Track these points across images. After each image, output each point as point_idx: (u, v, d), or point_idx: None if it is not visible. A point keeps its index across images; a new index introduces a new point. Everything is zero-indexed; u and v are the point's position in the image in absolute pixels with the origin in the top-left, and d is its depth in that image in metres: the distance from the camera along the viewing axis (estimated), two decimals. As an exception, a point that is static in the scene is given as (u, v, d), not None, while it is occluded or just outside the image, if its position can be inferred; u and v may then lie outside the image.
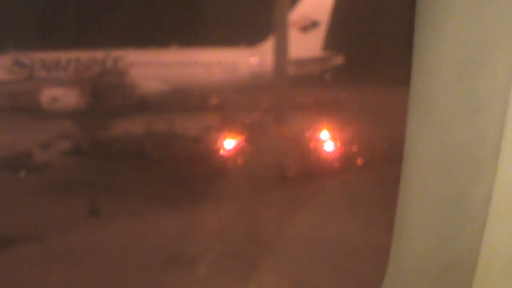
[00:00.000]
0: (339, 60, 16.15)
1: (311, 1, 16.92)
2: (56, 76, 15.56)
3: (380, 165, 9.43)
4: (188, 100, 15.24)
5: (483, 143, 1.55)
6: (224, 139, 10.78)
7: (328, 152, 10.58)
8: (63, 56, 15.78)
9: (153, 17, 13.69)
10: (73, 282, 6.35)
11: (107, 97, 14.50)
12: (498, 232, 1.67)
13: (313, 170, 9.66)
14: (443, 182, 1.63)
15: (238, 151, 10.53)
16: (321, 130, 11.04)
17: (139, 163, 10.85)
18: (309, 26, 16.78)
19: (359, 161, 10.08)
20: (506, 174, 1.57)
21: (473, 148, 1.57)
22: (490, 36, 1.48)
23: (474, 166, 1.59)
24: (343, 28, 15.82)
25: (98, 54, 15.59)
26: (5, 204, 8.71)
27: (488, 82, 1.51)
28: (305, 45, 16.09)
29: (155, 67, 15.82)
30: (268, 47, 15.47)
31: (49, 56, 15.80)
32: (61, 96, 14.76)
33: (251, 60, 16.20)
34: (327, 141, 10.83)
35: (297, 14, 16.53)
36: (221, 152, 10.63)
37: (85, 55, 15.71)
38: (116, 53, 15.55)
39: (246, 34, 15.05)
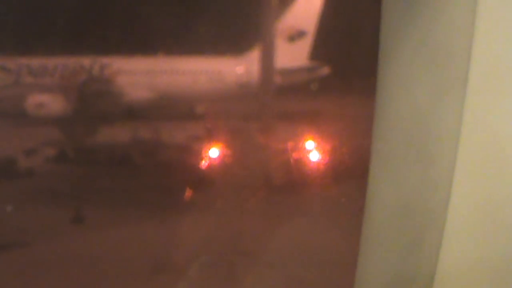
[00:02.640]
0: (325, 70, 16.23)
1: (298, 11, 17.02)
2: (43, 82, 15.46)
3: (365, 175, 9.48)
4: (174, 108, 15.24)
5: (434, 195, 1.68)
6: (210, 148, 10.81)
7: (313, 162, 10.65)
8: (50, 62, 15.68)
9: (140, 25, 13.69)
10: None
11: (94, 104, 14.45)
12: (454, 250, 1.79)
13: (298, 180, 9.73)
14: (402, 222, 1.77)
15: (223, 159, 10.58)
16: (306, 139, 11.10)
17: (125, 170, 10.85)
18: (296, 35, 16.86)
19: (345, 171, 10.14)
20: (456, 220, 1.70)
21: (424, 198, 1.70)
22: (439, 91, 1.59)
23: (425, 216, 1.72)
24: (329, 38, 15.94)
25: (85, 61, 15.52)
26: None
27: (438, 138, 1.63)
28: (292, 55, 16.18)
29: (142, 75, 15.78)
30: (254, 56, 15.52)
31: (36, 61, 15.70)
32: (47, 102, 14.66)
33: (237, 69, 16.23)
34: (313, 151, 10.90)
35: (284, 24, 16.62)
36: (207, 160, 10.66)
37: (72, 61, 15.62)
38: (103, 60, 15.50)
39: (232, 43, 15.09)
